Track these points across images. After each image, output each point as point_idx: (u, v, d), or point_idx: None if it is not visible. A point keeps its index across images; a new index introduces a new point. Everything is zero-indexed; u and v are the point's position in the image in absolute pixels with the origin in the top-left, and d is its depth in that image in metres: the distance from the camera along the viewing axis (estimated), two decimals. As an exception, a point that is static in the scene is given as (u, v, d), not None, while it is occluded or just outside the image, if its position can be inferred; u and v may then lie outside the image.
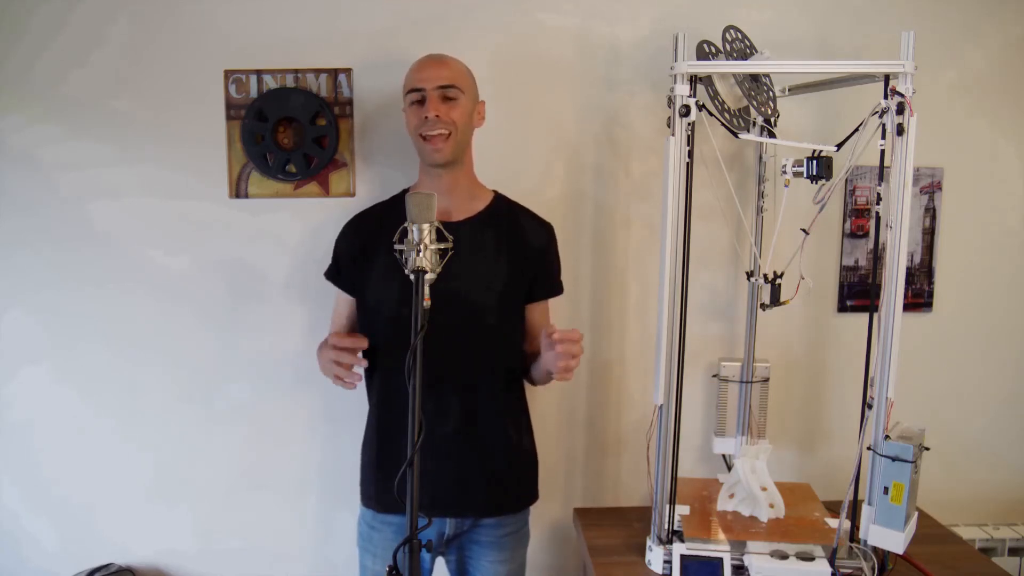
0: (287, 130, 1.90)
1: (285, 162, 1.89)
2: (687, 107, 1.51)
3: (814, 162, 1.54)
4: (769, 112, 1.69)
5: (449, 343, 1.52)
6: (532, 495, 1.74)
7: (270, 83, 1.89)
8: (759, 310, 1.81)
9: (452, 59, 1.63)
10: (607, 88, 1.96)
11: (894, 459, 1.48)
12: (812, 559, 1.57)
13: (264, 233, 1.95)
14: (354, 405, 1.79)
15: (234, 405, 1.99)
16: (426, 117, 1.56)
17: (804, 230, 1.63)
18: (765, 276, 1.71)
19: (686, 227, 1.57)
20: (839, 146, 1.53)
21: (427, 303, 1.26)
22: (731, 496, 1.81)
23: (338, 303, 1.76)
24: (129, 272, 1.93)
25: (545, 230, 1.72)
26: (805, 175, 1.56)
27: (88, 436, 1.98)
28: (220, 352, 1.97)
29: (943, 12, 1.99)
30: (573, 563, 2.11)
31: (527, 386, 1.76)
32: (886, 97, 1.48)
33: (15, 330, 1.94)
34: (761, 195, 1.88)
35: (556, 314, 1.85)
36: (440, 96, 1.57)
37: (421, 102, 1.58)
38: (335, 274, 1.73)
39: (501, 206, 1.71)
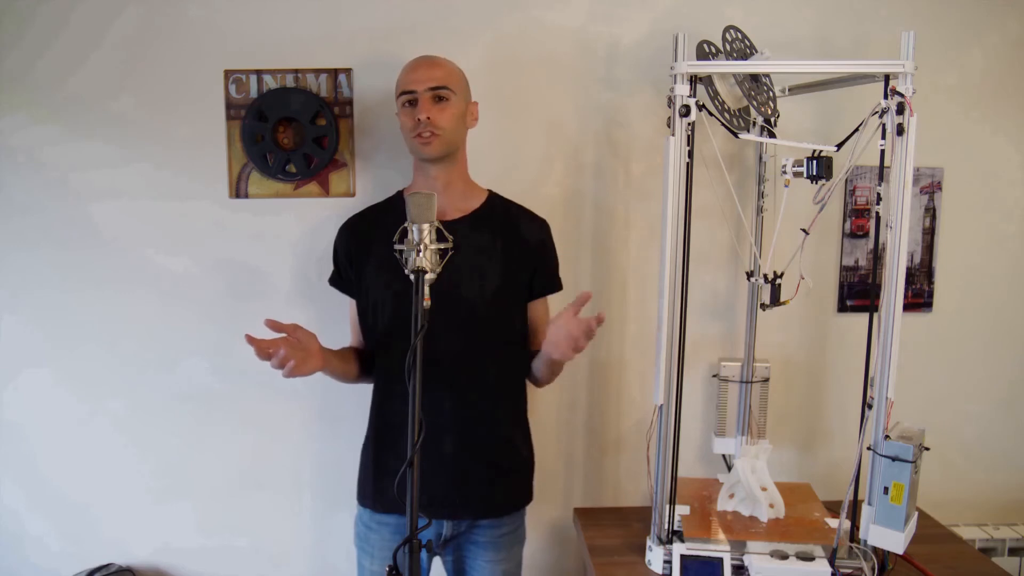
0: (287, 130, 1.90)
1: (285, 162, 1.89)
2: (687, 107, 1.51)
3: (814, 162, 1.54)
4: (769, 112, 1.69)
5: (447, 343, 1.52)
6: (527, 496, 1.74)
7: (270, 83, 1.89)
8: (759, 310, 1.81)
9: (444, 60, 1.63)
10: (607, 88, 1.96)
11: (894, 459, 1.48)
12: (812, 559, 1.57)
13: (264, 233, 1.95)
14: (353, 405, 1.79)
15: (234, 405, 1.99)
16: (418, 119, 1.56)
17: (804, 230, 1.63)
18: (765, 276, 1.71)
19: (686, 227, 1.57)
20: (839, 146, 1.53)
21: (427, 303, 1.26)
22: (731, 496, 1.81)
23: (351, 310, 1.74)
24: (129, 272, 1.93)
25: (540, 226, 1.72)
26: (805, 175, 1.56)
27: (88, 437, 1.98)
28: (220, 352, 1.97)
29: (943, 12, 1.99)
30: (573, 563, 2.11)
31: (526, 387, 1.75)
32: (886, 97, 1.48)
33: (15, 331, 1.94)
34: (761, 195, 1.88)
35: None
36: (431, 97, 1.57)
37: (413, 103, 1.58)
38: (337, 279, 1.73)
39: (496, 204, 1.70)
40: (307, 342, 1.48)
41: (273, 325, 1.44)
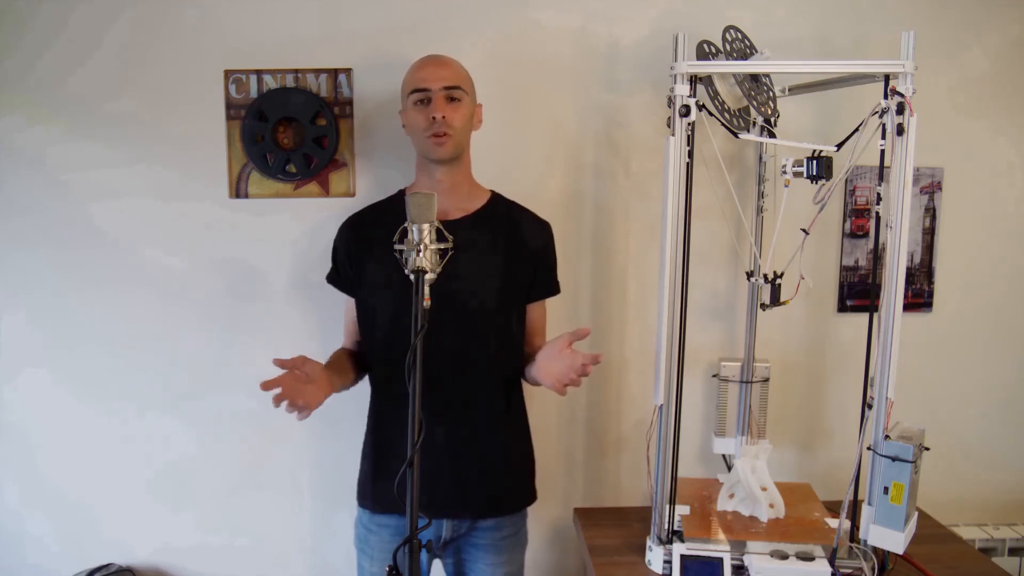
0: (287, 130, 1.90)
1: (285, 162, 1.89)
2: (687, 107, 1.51)
3: (814, 162, 1.54)
4: (769, 112, 1.69)
5: (447, 342, 1.52)
6: (529, 496, 1.74)
7: (270, 83, 1.89)
8: (759, 310, 1.81)
9: (453, 60, 1.63)
10: (607, 88, 1.96)
11: (894, 459, 1.48)
12: (812, 559, 1.57)
13: (264, 233, 1.95)
14: (353, 406, 1.79)
15: (234, 405, 1.99)
16: (433, 118, 1.54)
17: (804, 230, 1.63)
18: (765, 276, 1.71)
19: (686, 227, 1.57)
20: (839, 146, 1.53)
21: (427, 303, 1.26)
22: (731, 496, 1.81)
23: (347, 309, 1.74)
24: (129, 272, 1.93)
25: (543, 229, 1.72)
26: (805, 175, 1.56)
27: (88, 437, 1.98)
28: (220, 352, 1.97)
29: (943, 12, 1.99)
30: (573, 563, 2.11)
31: (525, 386, 1.75)
32: (886, 97, 1.48)
33: (15, 331, 1.94)
34: (761, 195, 1.88)
35: (556, 314, 1.85)
36: (446, 97, 1.56)
37: (424, 102, 1.57)
38: (335, 277, 1.73)
39: (499, 205, 1.70)
40: (314, 375, 1.45)
41: (280, 364, 1.40)
